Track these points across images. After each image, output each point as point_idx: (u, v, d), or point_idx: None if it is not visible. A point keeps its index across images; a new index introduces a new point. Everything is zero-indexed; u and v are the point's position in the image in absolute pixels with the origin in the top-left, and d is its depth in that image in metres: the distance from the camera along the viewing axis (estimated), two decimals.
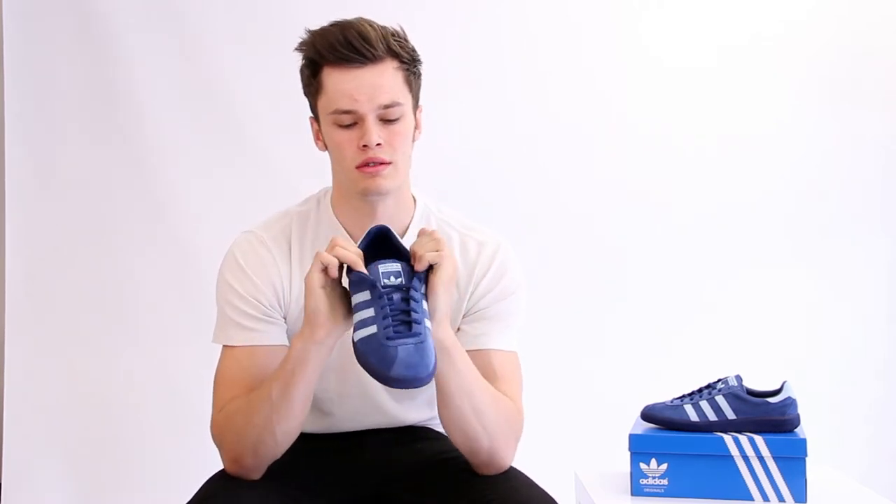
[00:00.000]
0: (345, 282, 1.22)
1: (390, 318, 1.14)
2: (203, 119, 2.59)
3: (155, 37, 2.58)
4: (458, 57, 2.56)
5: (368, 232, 1.26)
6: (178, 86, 2.59)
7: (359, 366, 1.38)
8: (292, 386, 1.23)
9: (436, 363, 1.14)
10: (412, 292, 1.16)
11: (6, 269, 2.61)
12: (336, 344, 1.25)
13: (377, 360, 1.12)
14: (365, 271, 1.18)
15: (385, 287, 1.16)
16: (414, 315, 1.15)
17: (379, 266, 1.18)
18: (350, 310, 1.20)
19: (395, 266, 1.18)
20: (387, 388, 1.41)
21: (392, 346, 1.12)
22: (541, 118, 2.61)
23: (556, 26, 2.61)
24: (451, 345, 1.24)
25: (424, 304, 1.19)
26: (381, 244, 1.25)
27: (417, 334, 1.13)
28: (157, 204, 2.60)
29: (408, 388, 1.13)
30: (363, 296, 1.17)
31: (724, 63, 2.60)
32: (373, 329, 1.14)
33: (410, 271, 1.19)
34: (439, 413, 1.30)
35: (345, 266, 1.21)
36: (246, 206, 2.36)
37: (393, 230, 1.29)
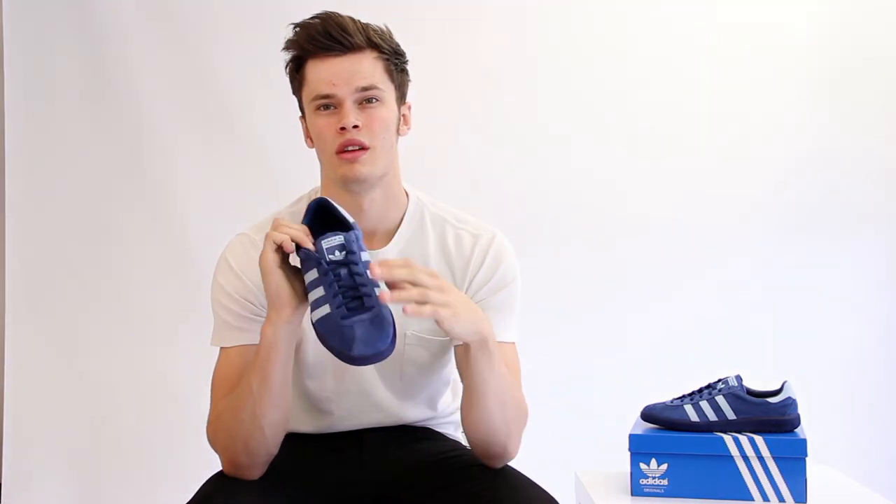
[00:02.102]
0: (294, 261, 1.22)
1: (341, 296, 1.14)
2: (203, 119, 2.59)
3: (155, 36, 2.59)
4: (459, 56, 2.56)
5: (308, 207, 1.25)
6: (178, 86, 2.59)
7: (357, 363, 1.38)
8: (269, 373, 1.23)
9: (395, 332, 1.15)
10: (355, 265, 1.15)
11: (6, 269, 2.62)
12: (301, 322, 1.25)
13: (338, 342, 1.12)
14: (311, 247, 1.17)
15: (330, 263, 1.15)
16: (363, 289, 1.14)
17: (322, 242, 1.17)
18: (305, 287, 1.20)
19: (339, 239, 1.17)
20: (385, 384, 1.42)
21: (348, 325, 1.12)
22: (543, 119, 2.61)
23: (559, 25, 2.61)
24: (493, 347, 1.25)
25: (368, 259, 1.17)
26: (324, 217, 1.24)
27: (370, 308, 1.13)
28: (157, 204, 2.60)
29: (371, 363, 1.13)
30: (312, 274, 1.17)
31: (724, 63, 2.61)
32: (327, 309, 1.14)
33: (355, 240, 1.17)
34: (465, 411, 1.31)
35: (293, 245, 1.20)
36: (246, 206, 2.35)
37: (385, 225, 1.33)
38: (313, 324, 1.17)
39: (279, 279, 1.20)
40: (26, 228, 2.61)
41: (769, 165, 2.61)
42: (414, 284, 1.15)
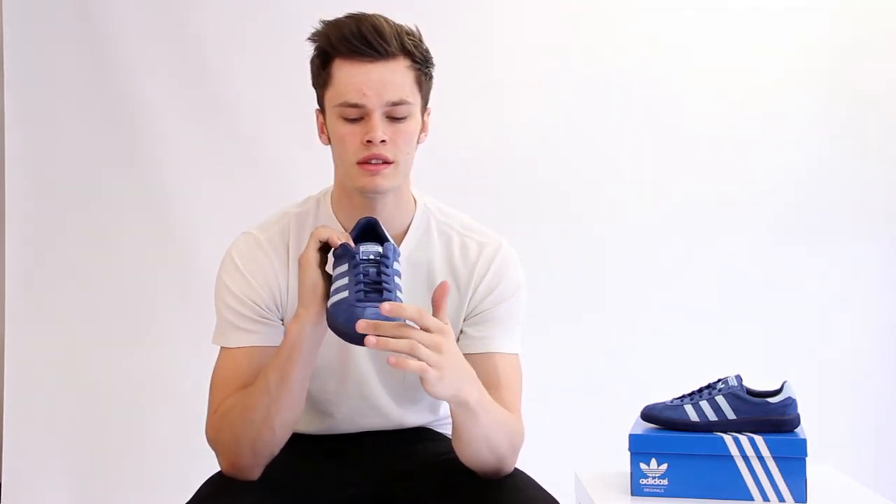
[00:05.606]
0: (330, 267, 1.24)
1: (362, 285, 1.16)
2: (204, 119, 2.59)
3: (155, 37, 2.58)
4: (461, 57, 2.56)
5: (357, 223, 1.28)
6: (178, 86, 2.59)
7: (359, 367, 1.38)
8: (290, 372, 1.23)
9: None
10: (385, 268, 1.19)
11: (6, 269, 2.61)
12: (327, 328, 1.24)
13: (344, 319, 1.14)
14: (352, 244, 1.22)
15: (362, 260, 1.19)
16: (385, 285, 1.16)
17: (361, 246, 1.21)
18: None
19: (377, 248, 1.21)
20: (387, 390, 1.42)
21: (360, 307, 1.13)
22: (542, 119, 2.61)
23: (561, 26, 2.62)
24: (475, 404, 1.20)
25: (398, 279, 1.21)
26: (369, 235, 1.28)
27: (387, 300, 1.14)
28: (157, 203, 2.60)
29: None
30: (342, 268, 1.20)
31: (723, 63, 2.61)
32: (345, 294, 1.16)
33: (392, 251, 1.22)
34: (455, 448, 1.29)
35: (331, 251, 1.24)
36: (246, 205, 2.36)
37: (393, 230, 1.32)
38: (327, 308, 1.18)
39: (315, 277, 1.22)
40: (26, 228, 2.61)
41: (770, 166, 2.60)
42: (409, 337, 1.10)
